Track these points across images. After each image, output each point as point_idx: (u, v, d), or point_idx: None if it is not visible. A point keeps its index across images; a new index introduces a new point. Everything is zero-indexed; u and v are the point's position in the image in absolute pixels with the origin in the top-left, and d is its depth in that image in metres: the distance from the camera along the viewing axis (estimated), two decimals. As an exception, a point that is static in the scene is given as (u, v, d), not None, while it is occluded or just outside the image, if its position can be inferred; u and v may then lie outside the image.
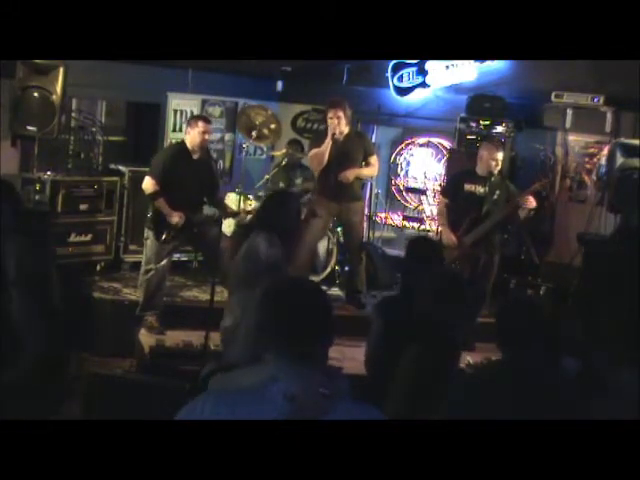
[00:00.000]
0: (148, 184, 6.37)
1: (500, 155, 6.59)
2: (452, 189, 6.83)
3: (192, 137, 6.38)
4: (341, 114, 6.71)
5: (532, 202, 6.40)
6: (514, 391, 2.81)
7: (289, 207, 4.68)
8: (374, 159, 7.05)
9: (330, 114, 6.74)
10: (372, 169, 7.08)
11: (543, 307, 3.14)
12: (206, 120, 6.55)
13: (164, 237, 6.28)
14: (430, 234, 8.32)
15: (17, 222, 3.71)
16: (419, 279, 3.79)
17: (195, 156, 6.42)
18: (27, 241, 3.72)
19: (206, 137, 6.42)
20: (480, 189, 6.58)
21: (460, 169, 7.19)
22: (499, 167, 6.60)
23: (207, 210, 6.78)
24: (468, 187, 6.63)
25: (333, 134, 6.70)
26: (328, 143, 6.72)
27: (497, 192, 6.53)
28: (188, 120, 6.66)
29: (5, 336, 3.37)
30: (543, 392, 2.82)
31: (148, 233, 6.45)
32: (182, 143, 6.50)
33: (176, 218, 6.24)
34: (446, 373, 3.29)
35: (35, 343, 3.41)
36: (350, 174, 6.81)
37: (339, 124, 6.70)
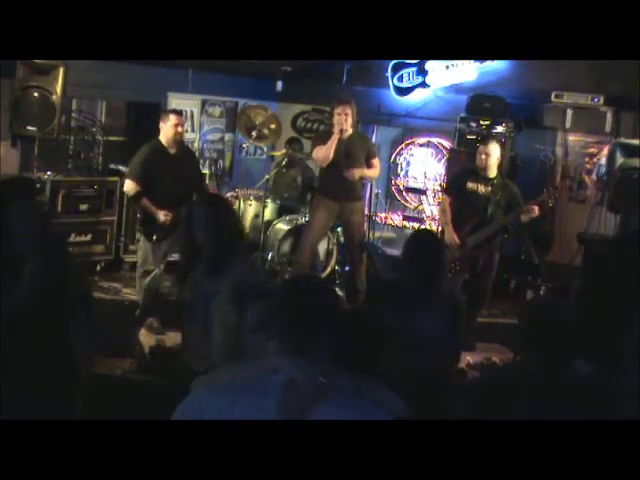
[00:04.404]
0: (129, 186, 6.34)
1: (492, 147, 6.49)
2: (455, 188, 6.78)
3: (165, 131, 6.31)
4: (349, 111, 6.70)
5: (536, 212, 6.36)
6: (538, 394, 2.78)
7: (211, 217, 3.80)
8: (376, 161, 7.05)
9: (338, 110, 6.73)
10: (375, 171, 7.09)
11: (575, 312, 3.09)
12: (178, 113, 6.49)
13: (155, 237, 6.23)
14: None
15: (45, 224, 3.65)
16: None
17: (172, 151, 6.35)
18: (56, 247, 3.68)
19: (179, 130, 6.33)
20: (482, 188, 6.55)
21: (462, 168, 7.18)
22: (493, 159, 6.48)
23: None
24: (471, 185, 6.59)
25: (341, 129, 6.69)
26: (335, 139, 6.71)
27: (499, 193, 6.50)
28: (160, 115, 6.53)
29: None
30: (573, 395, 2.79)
31: (139, 235, 6.43)
32: (157, 141, 6.38)
33: (162, 216, 6.16)
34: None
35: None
36: (356, 172, 6.81)
37: (346, 120, 6.70)
